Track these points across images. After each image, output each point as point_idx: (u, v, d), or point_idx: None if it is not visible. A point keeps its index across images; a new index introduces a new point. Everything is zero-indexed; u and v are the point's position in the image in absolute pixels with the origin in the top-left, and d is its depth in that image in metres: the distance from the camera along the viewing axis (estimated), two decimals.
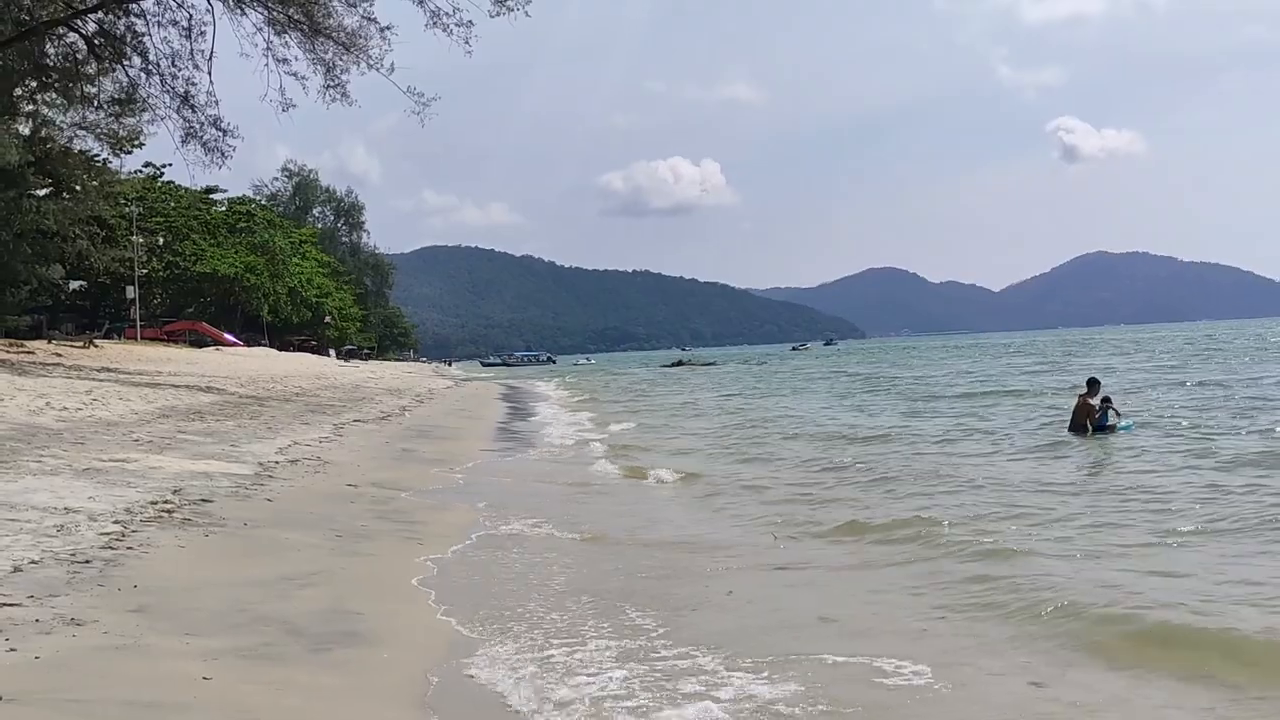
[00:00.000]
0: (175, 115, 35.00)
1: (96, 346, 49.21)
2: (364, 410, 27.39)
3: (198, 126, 35.18)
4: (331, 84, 33.86)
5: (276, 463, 14.42)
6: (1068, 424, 18.21)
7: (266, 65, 31.47)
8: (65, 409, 17.42)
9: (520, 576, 8.42)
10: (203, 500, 10.57)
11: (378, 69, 33.37)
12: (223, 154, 35.66)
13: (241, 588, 7.13)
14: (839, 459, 16.82)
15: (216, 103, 34.38)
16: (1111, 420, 17.85)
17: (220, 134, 35.43)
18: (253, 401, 25.29)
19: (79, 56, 36.26)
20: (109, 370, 30.67)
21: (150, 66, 33.88)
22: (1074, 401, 18.65)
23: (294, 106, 32.31)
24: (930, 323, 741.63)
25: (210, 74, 32.96)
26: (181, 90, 35.12)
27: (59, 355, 40.74)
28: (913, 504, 11.92)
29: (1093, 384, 18.41)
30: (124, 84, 34.71)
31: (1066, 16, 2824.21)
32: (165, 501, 10.11)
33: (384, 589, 7.53)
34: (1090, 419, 17.72)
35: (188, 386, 26.65)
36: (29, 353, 40.51)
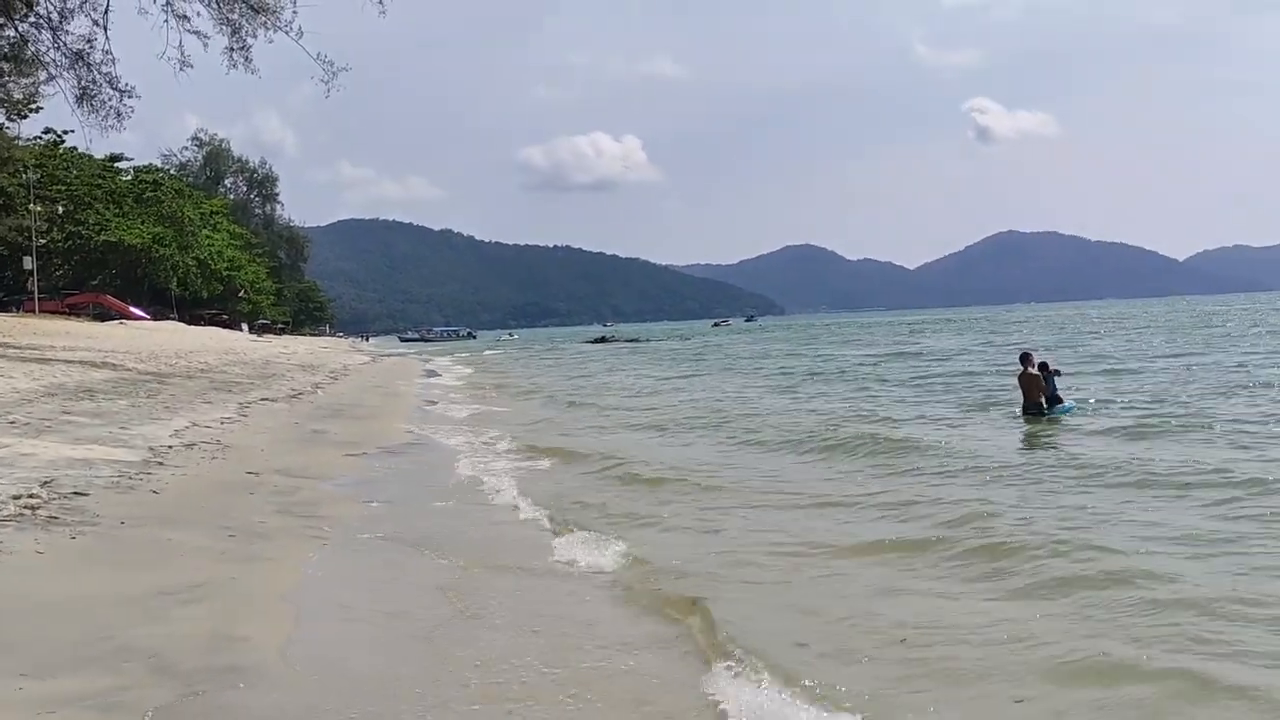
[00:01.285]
0: (69, 74, 32.98)
1: None
2: (273, 388, 25.85)
3: (93, 86, 33.19)
4: (237, 46, 32.11)
5: (170, 447, 13.07)
6: (1020, 408, 17.32)
7: (166, 22, 29.65)
8: None
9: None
10: (76, 493, 9.27)
11: (287, 32, 31.74)
12: (120, 115, 33.68)
13: (107, 606, 5.96)
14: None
15: (114, 61, 32.40)
16: (1059, 391, 17.24)
17: (118, 94, 33.44)
18: (152, 378, 23.64)
19: None
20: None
21: (41, 21, 31.77)
22: (1018, 381, 17.81)
23: (191, 67, 30.56)
24: (847, 299, 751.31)
25: (106, 30, 30.98)
26: (76, 47, 33.06)
27: None
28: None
29: (1027, 358, 17.65)
30: (13, 39, 32.48)
31: None
32: (30, 496, 8.80)
33: (277, 604, 6.39)
34: (1043, 393, 17.02)
35: (81, 362, 24.86)
36: None
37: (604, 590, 7.20)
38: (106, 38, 31.40)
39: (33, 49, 33.26)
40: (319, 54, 31.03)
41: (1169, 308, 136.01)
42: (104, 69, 32.60)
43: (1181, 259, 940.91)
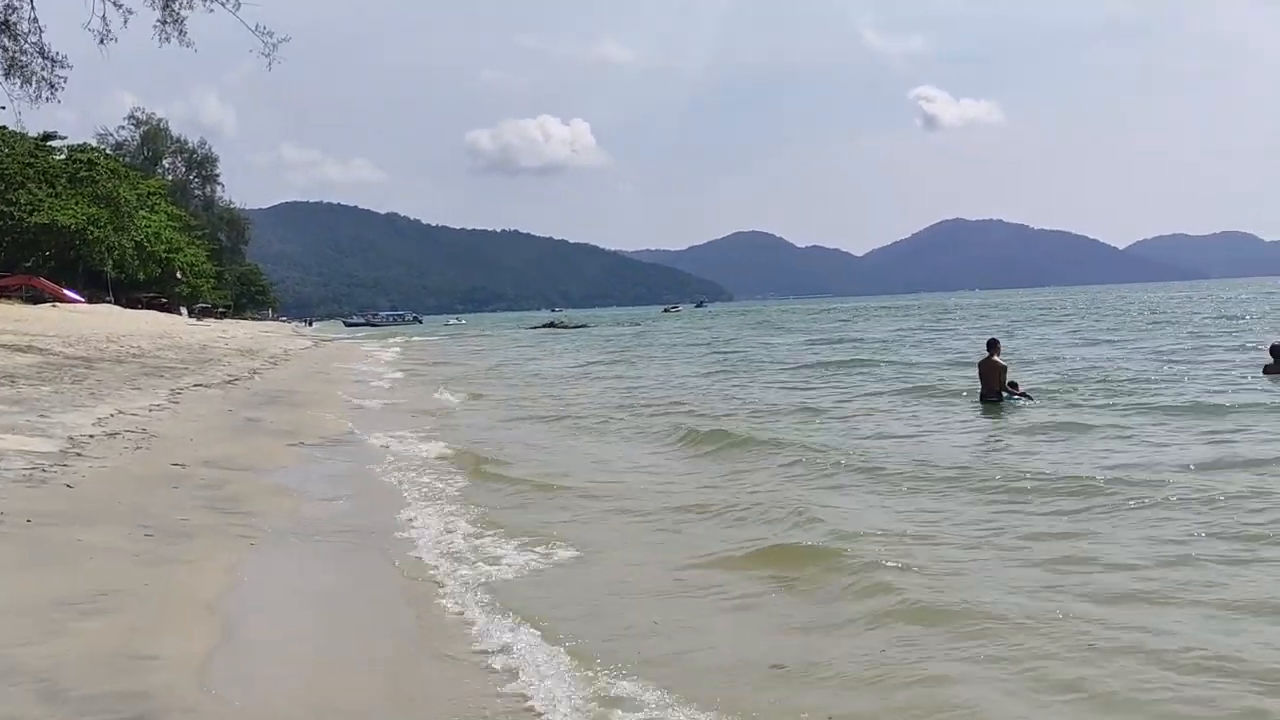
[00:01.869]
0: None
1: None
2: (208, 373, 24.96)
3: (21, 56, 31.94)
4: (169, 19, 31.01)
5: (91, 437, 12.34)
6: (978, 393, 17.11)
7: None
8: None
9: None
10: None
11: (223, 4, 30.75)
12: (52, 86, 32.46)
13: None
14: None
15: (40, 30, 31.18)
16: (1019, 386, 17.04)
17: (49, 64, 32.22)
18: (80, 363, 22.65)
19: None
20: None
21: None
22: (979, 367, 17.60)
23: (115, 40, 29.45)
24: (796, 286, 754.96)
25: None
26: (1, 16, 31.77)
27: None
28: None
29: (994, 345, 17.46)
30: None
31: None
32: None
33: (195, 615, 5.81)
34: (1002, 383, 16.79)
35: (3, 346, 23.76)
36: None
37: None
38: (32, 6, 30.20)
39: None
40: (257, 25, 30.05)
41: (1107, 295, 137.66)
42: (31, 38, 31.38)
43: (1122, 247, 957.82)
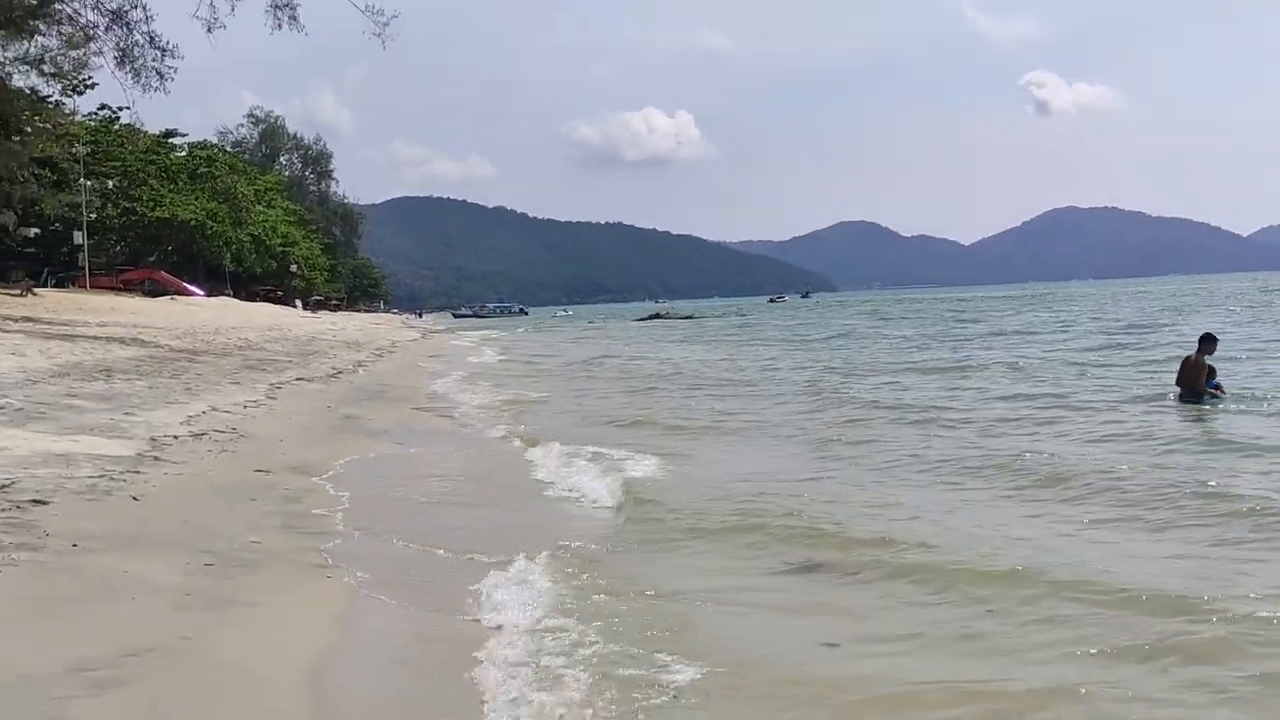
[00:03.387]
0: (108, 35, 31.82)
1: (35, 295, 45.64)
2: (311, 366, 24.22)
3: (133, 46, 32.00)
4: (280, 4, 30.70)
5: (175, 438, 11.34)
6: (1178, 393, 14.90)
7: None
8: None
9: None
10: (34, 502, 7.52)
11: None
12: (162, 76, 32.53)
13: None
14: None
15: (150, 19, 31.13)
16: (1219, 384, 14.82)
17: (159, 53, 32.25)
18: (183, 356, 22.09)
19: None
20: (30, 320, 27.30)
21: None
22: (1183, 364, 15.35)
23: (223, 27, 29.23)
24: (901, 276, 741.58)
25: None
26: (113, 5, 31.83)
27: None
28: None
29: (1209, 340, 15.13)
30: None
31: None
32: None
33: (231, 693, 4.51)
34: (1199, 384, 14.68)
35: (110, 339, 23.40)
36: None
37: None
38: None
39: (67, 8, 32.07)
40: (367, 5, 29.56)
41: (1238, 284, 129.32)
42: (143, 28, 31.38)
43: (1246, 234, 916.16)
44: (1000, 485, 9.68)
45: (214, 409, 14.16)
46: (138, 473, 9.19)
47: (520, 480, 10.86)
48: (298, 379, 20.52)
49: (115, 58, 31.46)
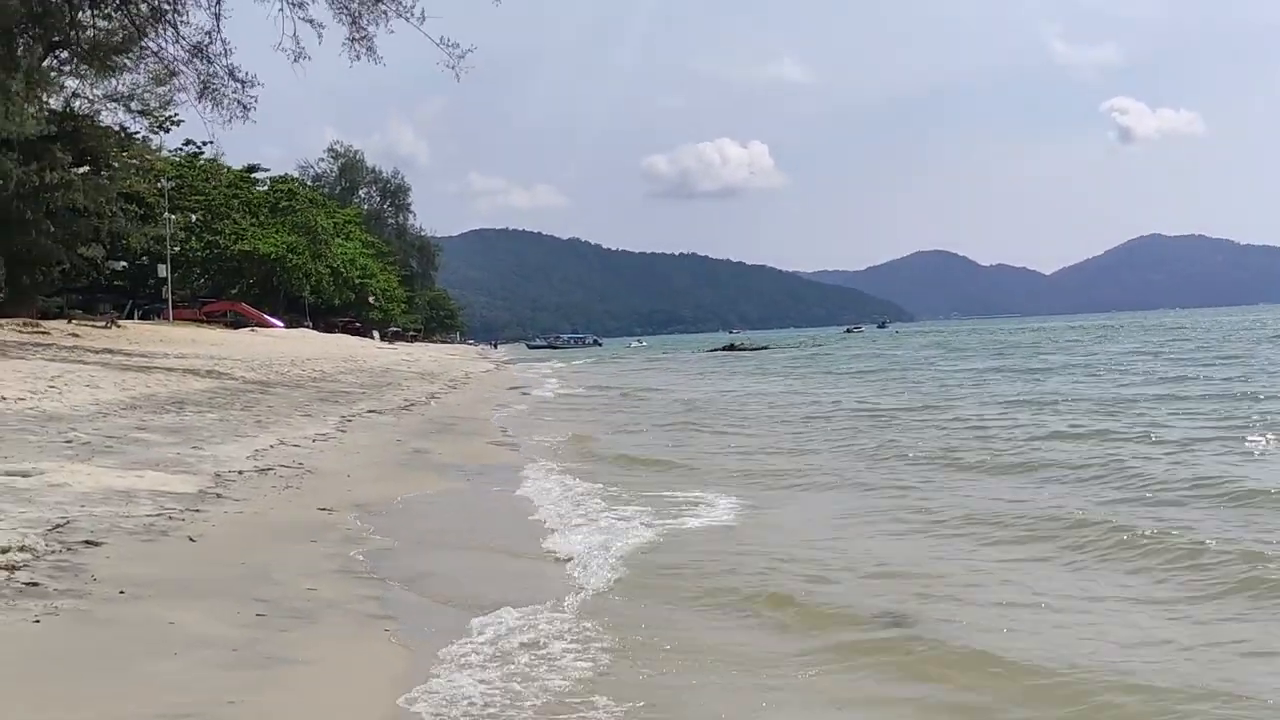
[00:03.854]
0: (189, 69, 32.33)
1: (119, 326, 46.61)
2: (384, 398, 24.08)
3: (214, 79, 32.47)
4: (358, 36, 30.93)
5: (240, 472, 11.09)
6: None
7: (280, 10, 28.50)
8: (2, 399, 14.21)
9: None
10: (87, 543, 7.23)
11: (407, 18, 30.44)
12: (245, 108, 32.90)
13: None
14: None
15: (230, 51, 31.54)
16: None
17: (239, 85, 32.64)
18: (256, 388, 22.07)
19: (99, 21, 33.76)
20: (109, 352, 27.67)
21: (157, 13, 31.07)
22: None
23: (308, 58, 29.43)
24: (978, 305, 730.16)
25: (219, 19, 30.06)
26: (194, 39, 32.34)
27: (76, 336, 38.05)
28: None
29: None
30: (130, 31, 31.92)
31: None
32: (20, 549, 6.76)
33: None
34: None
35: (186, 370, 23.52)
36: (43, 333, 37.91)
37: None
38: (219, 26, 30.55)
39: (152, 44, 32.69)
40: (442, 38, 29.60)
41: None
42: (223, 60, 31.85)
43: None
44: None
45: (282, 442, 13.93)
46: (198, 511, 8.90)
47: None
48: (369, 411, 20.34)
49: (196, 90, 31.91)
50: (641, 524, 9.61)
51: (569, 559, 8.23)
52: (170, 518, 8.47)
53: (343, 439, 15.34)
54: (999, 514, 9.88)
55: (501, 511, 10.78)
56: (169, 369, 23.40)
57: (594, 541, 8.80)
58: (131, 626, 5.58)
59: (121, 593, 6.18)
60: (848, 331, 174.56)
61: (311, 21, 29.33)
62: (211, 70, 31.93)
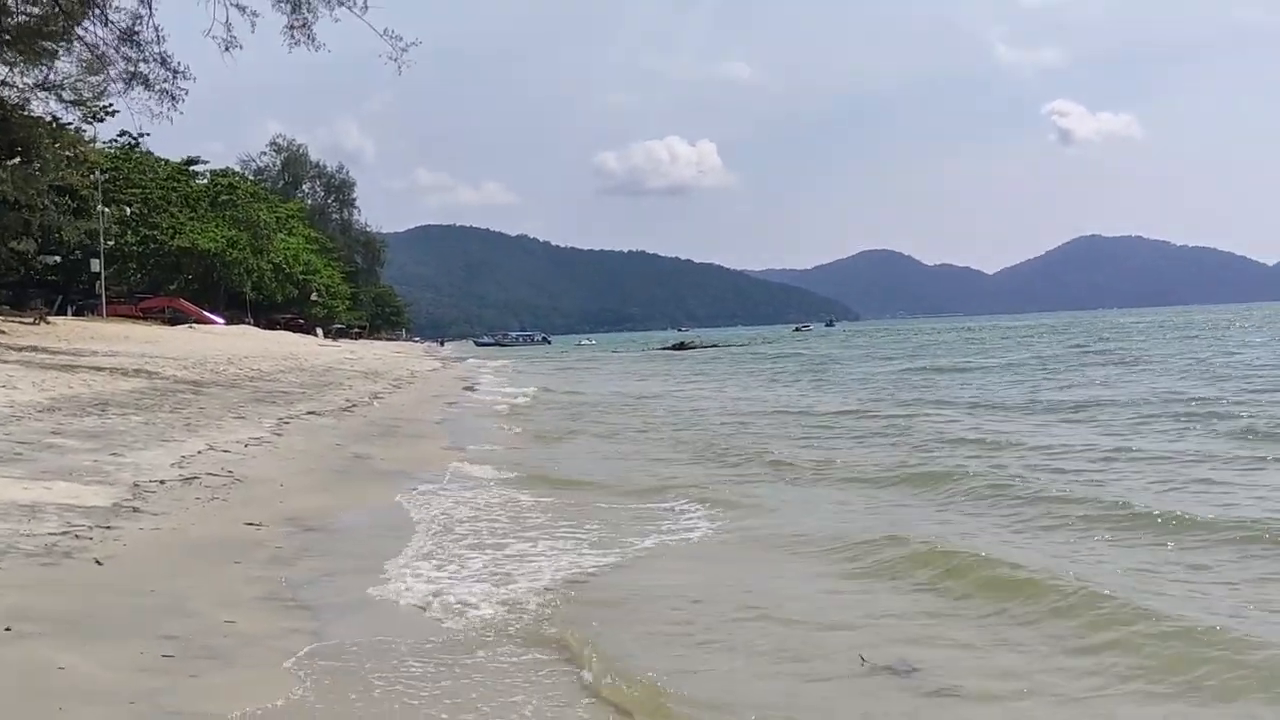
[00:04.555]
0: (116, 54, 31.09)
1: (48, 323, 44.92)
2: (325, 399, 23.10)
3: (141, 65, 31.23)
4: (297, 24, 29.91)
5: (162, 482, 10.21)
6: None
7: None
8: None
9: None
10: None
11: (349, 7, 29.54)
12: (174, 98, 31.72)
13: None
14: None
15: (161, 39, 30.37)
16: None
17: (170, 75, 31.44)
18: (189, 388, 21.01)
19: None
20: (33, 349, 26.35)
21: None
22: None
23: (240, 47, 28.46)
24: (924, 305, 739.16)
25: (150, 3, 28.93)
26: (122, 26, 31.10)
27: (1, 333, 36.53)
28: None
29: None
30: (57, 15, 30.60)
31: None
32: None
33: None
34: None
35: (113, 370, 22.37)
36: None
37: None
38: (151, 10, 29.41)
39: (82, 31, 31.40)
40: (386, 29, 28.75)
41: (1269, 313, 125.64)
42: (154, 48, 30.64)
43: (1271, 264, 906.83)
44: None
45: (211, 448, 13.04)
46: (109, 528, 8.05)
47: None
48: (308, 413, 19.41)
49: (124, 78, 30.70)
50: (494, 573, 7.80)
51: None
52: (77, 536, 7.63)
53: (278, 443, 14.45)
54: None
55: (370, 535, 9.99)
56: (96, 368, 22.24)
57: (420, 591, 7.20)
58: (10, 674, 4.78)
59: (7, 629, 5.38)
60: (796, 330, 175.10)
61: (243, 9, 28.29)
62: (140, 56, 30.71)
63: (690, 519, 9.99)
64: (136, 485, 9.92)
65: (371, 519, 9.86)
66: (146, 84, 30.26)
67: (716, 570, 7.89)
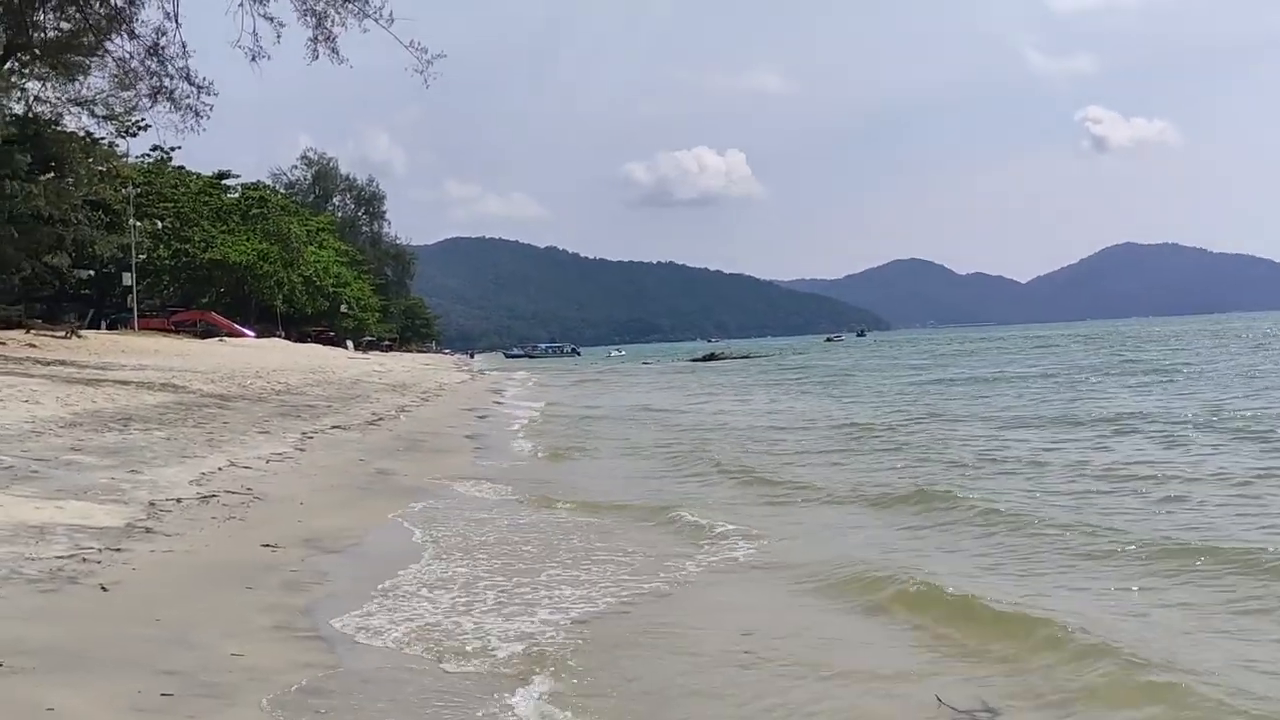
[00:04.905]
0: (141, 68, 31.08)
1: (79, 337, 45.13)
2: (351, 412, 22.86)
3: (166, 81, 31.20)
4: (321, 36, 29.78)
5: (179, 500, 9.95)
6: None
7: (241, 5, 27.38)
8: None
9: None
10: None
11: (376, 19, 29.39)
12: (197, 113, 31.66)
13: None
14: None
15: (188, 54, 30.34)
16: None
17: (195, 90, 31.40)
18: (214, 402, 20.83)
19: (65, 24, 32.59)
20: (61, 363, 26.33)
21: (114, 12, 29.85)
22: None
23: (266, 57, 28.34)
24: (955, 314, 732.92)
25: (176, 19, 28.89)
26: (149, 40, 31.10)
27: (33, 346, 36.65)
28: None
29: None
30: (87, 31, 30.66)
31: (1099, 3, 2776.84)
32: None
33: None
34: None
35: (140, 384, 22.23)
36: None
37: None
38: (177, 25, 29.39)
39: (111, 46, 31.47)
40: (411, 41, 28.56)
41: None
42: (178, 63, 30.62)
43: None
44: None
45: (233, 464, 12.79)
46: (119, 550, 7.77)
47: None
48: (334, 427, 19.16)
49: (149, 93, 30.72)
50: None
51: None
52: (84, 559, 7.35)
53: (300, 459, 14.18)
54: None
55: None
56: (122, 381, 22.11)
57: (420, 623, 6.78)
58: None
59: (1, 665, 5.07)
60: (827, 340, 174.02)
61: (272, 19, 28.21)
62: (165, 72, 30.68)
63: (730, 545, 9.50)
64: (152, 504, 9.66)
65: (388, 540, 9.51)
66: (171, 99, 30.23)
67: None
